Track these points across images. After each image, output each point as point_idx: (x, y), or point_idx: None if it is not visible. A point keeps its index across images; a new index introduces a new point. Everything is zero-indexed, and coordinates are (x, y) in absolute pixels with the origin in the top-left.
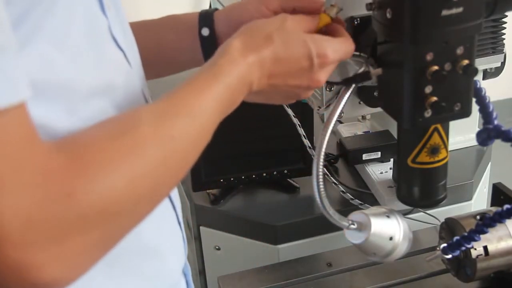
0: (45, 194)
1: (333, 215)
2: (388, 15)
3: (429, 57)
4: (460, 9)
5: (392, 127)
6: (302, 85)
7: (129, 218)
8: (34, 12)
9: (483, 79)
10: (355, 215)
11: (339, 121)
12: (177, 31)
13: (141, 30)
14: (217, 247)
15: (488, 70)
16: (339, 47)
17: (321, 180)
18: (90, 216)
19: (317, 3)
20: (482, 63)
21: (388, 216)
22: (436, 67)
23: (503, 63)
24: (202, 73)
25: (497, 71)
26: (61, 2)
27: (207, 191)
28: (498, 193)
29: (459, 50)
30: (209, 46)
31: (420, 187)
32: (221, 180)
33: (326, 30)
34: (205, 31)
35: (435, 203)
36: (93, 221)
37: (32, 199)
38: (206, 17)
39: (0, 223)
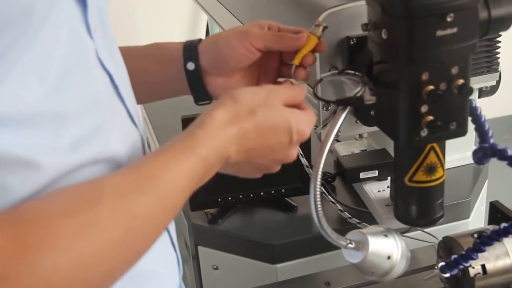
0: None
1: (331, 235)
2: (384, 36)
3: (424, 76)
4: (454, 30)
5: (389, 145)
6: (276, 159)
7: None
8: (15, 47)
9: (479, 97)
10: (352, 234)
11: (336, 139)
12: (162, 62)
13: (125, 57)
14: (215, 267)
15: (484, 89)
16: (312, 120)
17: (318, 199)
18: None
19: (299, 41)
20: (477, 82)
21: (385, 235)
22: (431, 87)
23: (498, 82)
24: (176, 144)
25: (492, 90)
26: (43, 33)
27: (205, 210)
28: (495, 211)
29: (454, 70)
30: (195, 79)
31: (417, 206)
32: (219, 200)
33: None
34: (191, 66)
35: (433, 222)
36: None
37: None
38: (191, 50)
39: None
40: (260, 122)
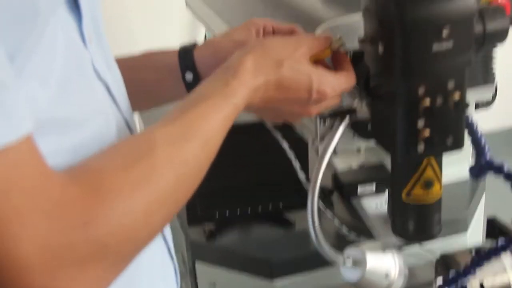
0: (63, 224)
1: (328, 252)
2: (380, 49)
3: (421, 91)
4: (450, 44)
5: (387, 160)
6: (294, 112)
7: (144, 242)
8: (20, 53)
9: (475, 110)
10: (350, 251)
11: (333, 153)
12: (158, 71)
13: (121, 67)
14: (212, 283)
15: (480, 101)
16: (339, 85)
17: (316, 215)
18: (109, 243)
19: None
20: (474, 94)
21: (383, 251)
22: (428, 101)
23: (494, 94)
24: (213, 93)
25: (488, 102)
26: (44, 40)
27: (202, 226)
28: (493, 227)
29: (450, 84)
30: (194, 88)
31: (414, 221)
32: (217, 215)
33: (332, 59)
34: (188, 75)
35: (430, 237)
36: (111, 248)
37: (50, 230)
38: (186, 58)
39: (22, 254)
40: (284, 76)
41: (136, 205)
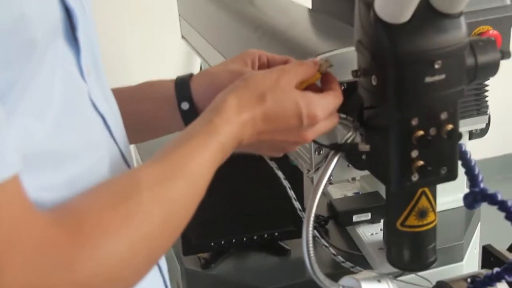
0: (46, 266)
1: (324, 281)
2: (374, 82)
3: (414, 122)
4: (442, 76)
5: (382, 188)
6: (289, 141)
7: (130, 281)
8: (17, 85)
9: (469, 139)
10: (346, 280)
11: (329, 182)
12: (155, 101)
13: (118, 98)
14: None
15: (474, 131)
16: (328, 105)
17: (311, 245)
18: (94, 284)
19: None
20: (467, 125)
21: (379, 281)
22: (421, 132)
23: (487, 124)
24: (197, 131)
25: (482, 132)
26: (41, 74)
27: (198, 255)
28: (488, 255)
29: (443, 115)
30: (190, 118)
31: (409, 251)
32: (212, 244)
33: (321, 81)
34: (185, 105)
35: (425, 266)
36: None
37: (33, 273)
38: (182, 88)
39: None
40: (269, 107)
41: (121, 245)
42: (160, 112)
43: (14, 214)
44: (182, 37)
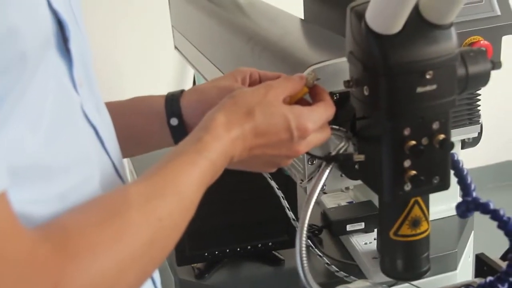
0: (32, 284)
1: None
2: (366, 92)
3: (406, 132)
4: (434, 86)
5: (375, 197)
6: (281, 155)
7: None
8: (9, 97)
9: (462, 148)
10: None
11: (322, 192)
12: (145, 116)
13: (109, 112)
14: None
15: (466, 140)
16: (319, 116)
17: (304, 254)
18: None
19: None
20: (460, 134)
21: None
22: (413, 142)
23: (480, 133)
24: (187, 149)
25: (474, 141)
26: (34, 83)
27: (192, 265)
28: (482, 264)
29: (435, 125)
30: (179, 134)
31: (403, 260)
32: (206, 254)
33: (310, 94)
34: (174, 121)
35: (419, 276)
36: None
37: None
38: (172, 104)
39: None
40: (258, 122)
41: (108, 263)
42: (150, 127)
43: (1, 230)
44: (175, 47)
